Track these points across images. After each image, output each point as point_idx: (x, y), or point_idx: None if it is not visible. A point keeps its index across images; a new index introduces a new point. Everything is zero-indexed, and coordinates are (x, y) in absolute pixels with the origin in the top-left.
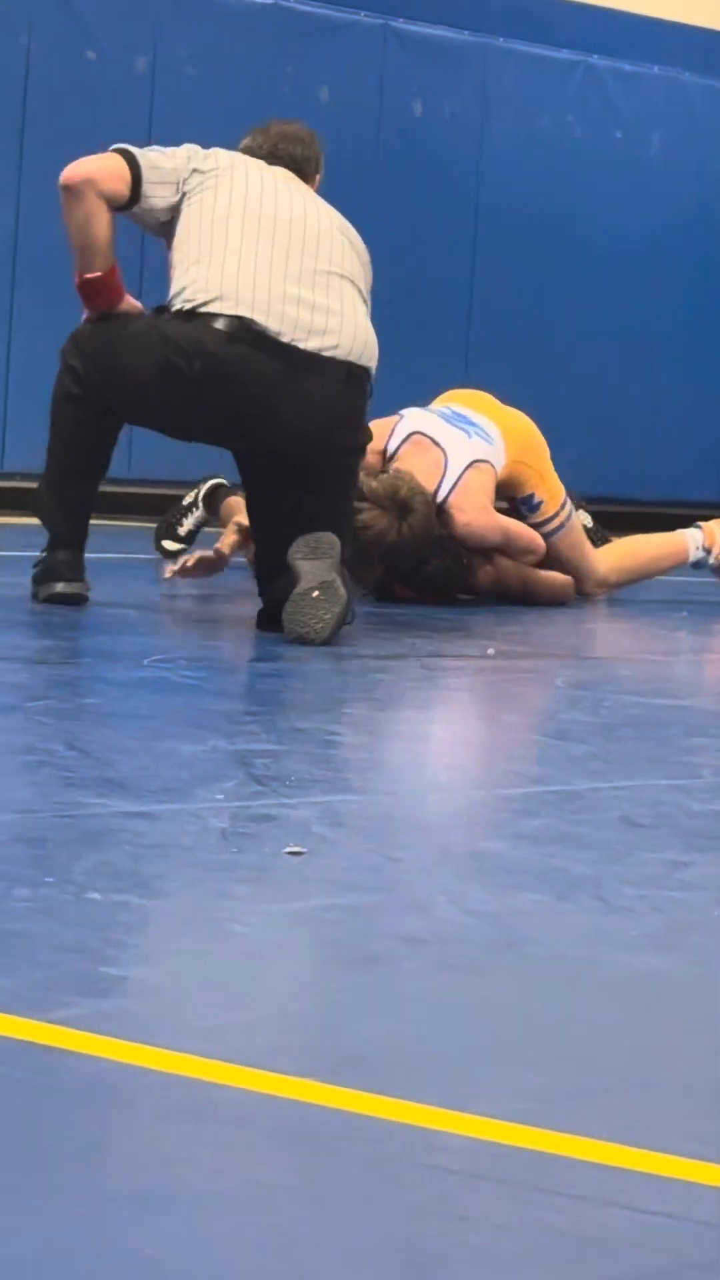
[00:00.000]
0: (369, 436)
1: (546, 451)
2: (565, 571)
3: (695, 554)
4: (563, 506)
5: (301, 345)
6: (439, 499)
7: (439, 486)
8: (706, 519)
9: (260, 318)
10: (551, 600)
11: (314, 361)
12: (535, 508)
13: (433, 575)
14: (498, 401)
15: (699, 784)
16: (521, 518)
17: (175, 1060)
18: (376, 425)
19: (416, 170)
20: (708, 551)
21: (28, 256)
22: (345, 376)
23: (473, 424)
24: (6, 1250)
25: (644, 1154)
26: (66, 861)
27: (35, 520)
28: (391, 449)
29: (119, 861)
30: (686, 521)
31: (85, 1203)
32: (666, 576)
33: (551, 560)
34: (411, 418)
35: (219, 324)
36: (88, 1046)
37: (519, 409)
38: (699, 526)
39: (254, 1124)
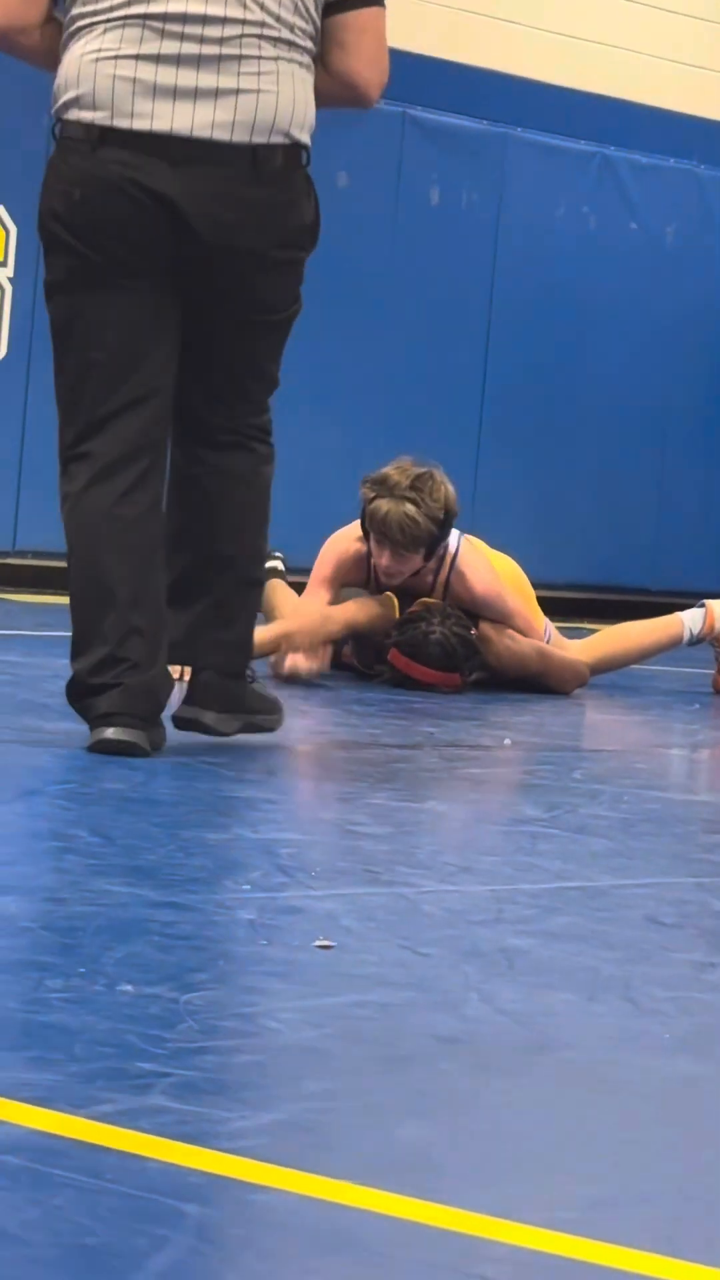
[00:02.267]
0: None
1: (532, 592)
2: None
3: (689, 635)
4: (545, 623)
5: (184, 133)
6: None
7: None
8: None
9: (123, 121)
10: (565, 679)
11: (199, 149)
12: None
13: (441, 644)
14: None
15: None
16: None
17: (219, 1160)
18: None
19: (432, 257)
20: (700, 637)
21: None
22: (252, 163)
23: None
24: None
25: (694, 1267)
26: (97, 952)
27: (49, 598)
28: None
29: (149, 953)
30: None
31: None
32: (678, 669)
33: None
34: None
35: (76, 132)
36: (131, 1145)
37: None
38: (703, 605)
39: (302, 1230)
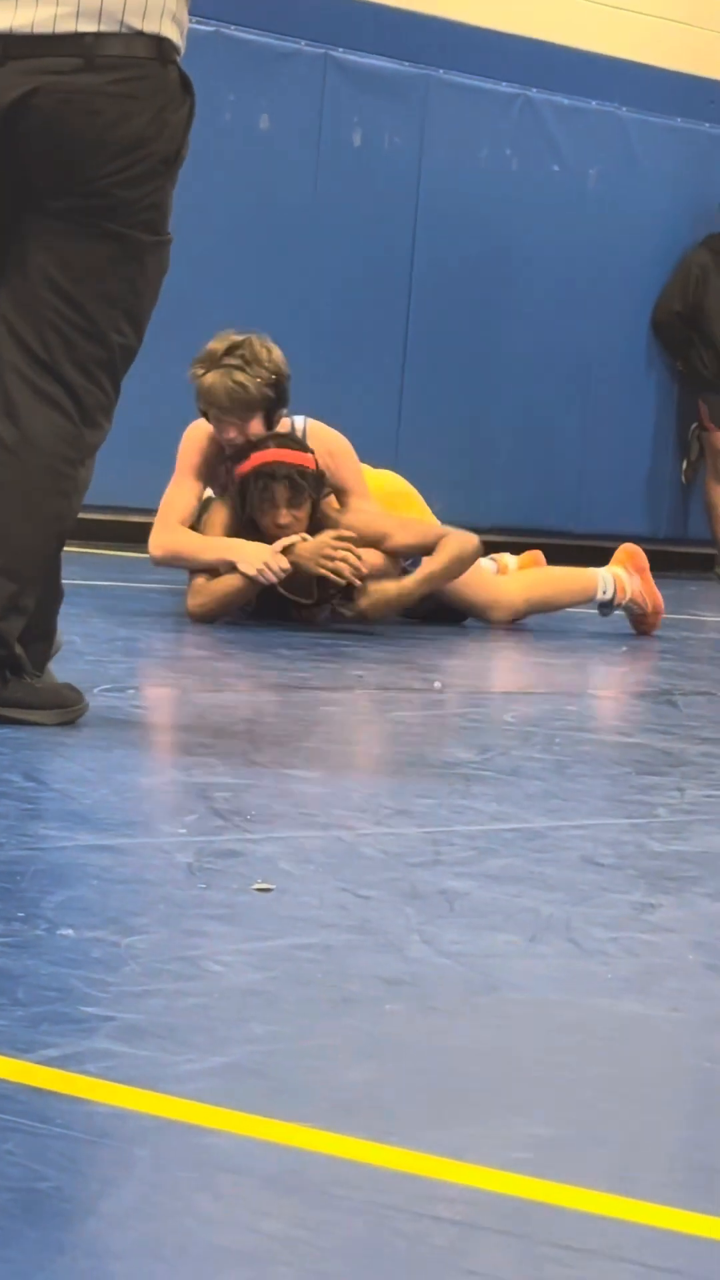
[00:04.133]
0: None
1: (423, 503)
2: (470, 605)
3: (602, 595)
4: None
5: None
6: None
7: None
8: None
9: None
10: (444, 548)
11: (25, 43)
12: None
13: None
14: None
15: (657, 823)
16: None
17: (168, 1104)
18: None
19: (354, 199)
20: (611, 599)
21: None
22: (83, 54)
23: None
24: None
25: (646, 1206)
26: (36, 896)
27: None
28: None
29: (88, 896)
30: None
31: (91, 1254)
32: (603, 616)
33: (455, 599)
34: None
35: None
36: (78, 1089)
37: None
38: (612, 574)
39: (253, 1173)
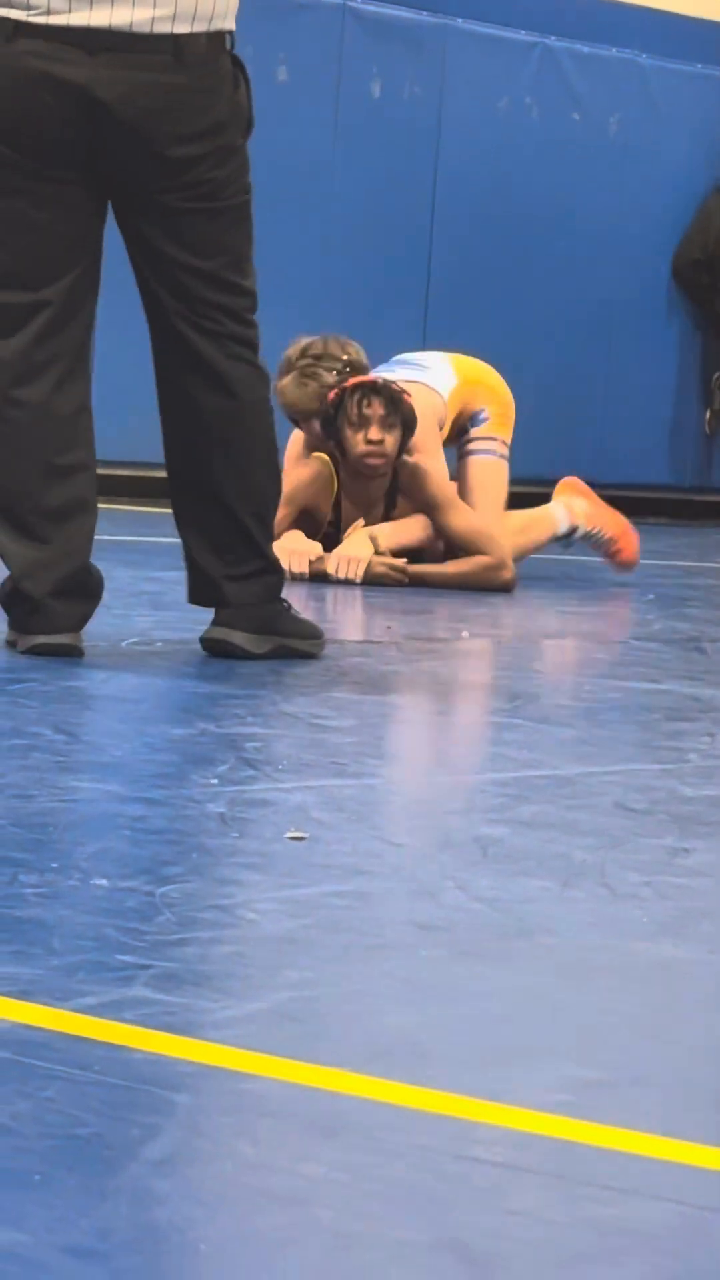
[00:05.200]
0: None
1: (508, 393)
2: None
3: (563, 526)
4: (507, 446)
5: (102, 26)
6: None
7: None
8: (664, 502)
9: (39, 17)
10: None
11: (119, 39)
12: (481, 422)
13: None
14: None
15: (688, 768)
16: (464, 433)
17: (206, 1050)
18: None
19: (374, 151)
20: (574, 528)
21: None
22: (174, 52)
23: (409, 363)
24: (55, 1246)
25: (687, 1146)
26: (69, 847)
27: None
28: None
29: (121, 847)
30: (646, 504)
31: (132, 1200)
32: (565, 549)
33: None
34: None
35: None
36: (116, 1036)
37: None
38: (561, 504)
39: (292, 1117)
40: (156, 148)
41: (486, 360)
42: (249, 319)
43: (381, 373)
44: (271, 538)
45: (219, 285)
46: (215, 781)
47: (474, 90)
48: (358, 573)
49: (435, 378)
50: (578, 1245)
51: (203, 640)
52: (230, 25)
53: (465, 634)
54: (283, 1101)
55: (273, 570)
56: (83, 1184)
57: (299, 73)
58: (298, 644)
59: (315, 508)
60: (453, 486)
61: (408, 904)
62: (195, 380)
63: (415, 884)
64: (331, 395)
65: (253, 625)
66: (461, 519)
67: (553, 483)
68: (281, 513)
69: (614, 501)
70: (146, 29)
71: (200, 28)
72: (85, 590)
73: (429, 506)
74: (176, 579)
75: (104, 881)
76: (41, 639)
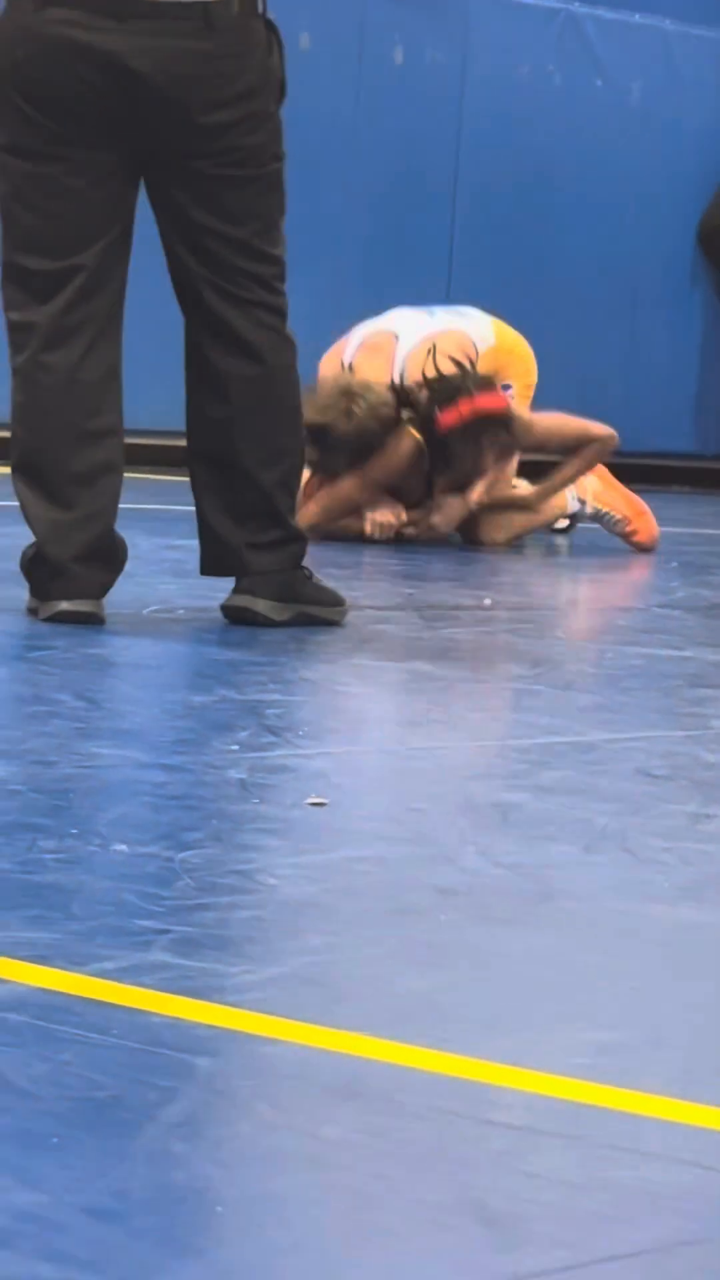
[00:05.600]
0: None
1: (535, 369)
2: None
3: (574, 504)
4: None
5: None
6: (397, 381)
7: (394, 370)
8: (687, 471)
9: None
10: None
11: (146, 6)
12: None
13: (442, 390)
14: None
15: (710, 734)
16: None
17: (225, 1014)
18: (336, 348)
19: (397, 117)
20: (582, 502)
21: None
22: (203, 18)
23: (453, 310)
24: (74, 1206)
25: (706, 1109)
26: (89, 813)
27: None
28: (348, 360)
29: (141, 813)
30: (669, 473)
31: (150, 1161)
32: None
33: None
34: (372, 321)
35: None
36: (135, 1000)
37: None
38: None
39: (312, 1080)
40: (187, 114)
41: (509, 324)
42: (277, 287)
43: (421, 312)
44: (294, 506)
45: (248, 253)
46: (236, 748)
47: (496, 57)
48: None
49: (475, 329)
50: (596, 1207)
51: (224, 608)
52: None
53: (488, 601)
54: (301, 1064)
55: (295, 538)
56: (101, 1146)
57: (322, 40)
58: (320, 611)
59: (405, 482)
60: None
61: (428, 869)
62: (221, 347)
63: (435, 849)
64: (442, 428)
65: (275, 593)
66: (560, 426)
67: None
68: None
69: (637, 470)
70: None
71: None
72: (109, 557)
73: (544, 443)
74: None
75: (124, 847)
76: (64, 605)
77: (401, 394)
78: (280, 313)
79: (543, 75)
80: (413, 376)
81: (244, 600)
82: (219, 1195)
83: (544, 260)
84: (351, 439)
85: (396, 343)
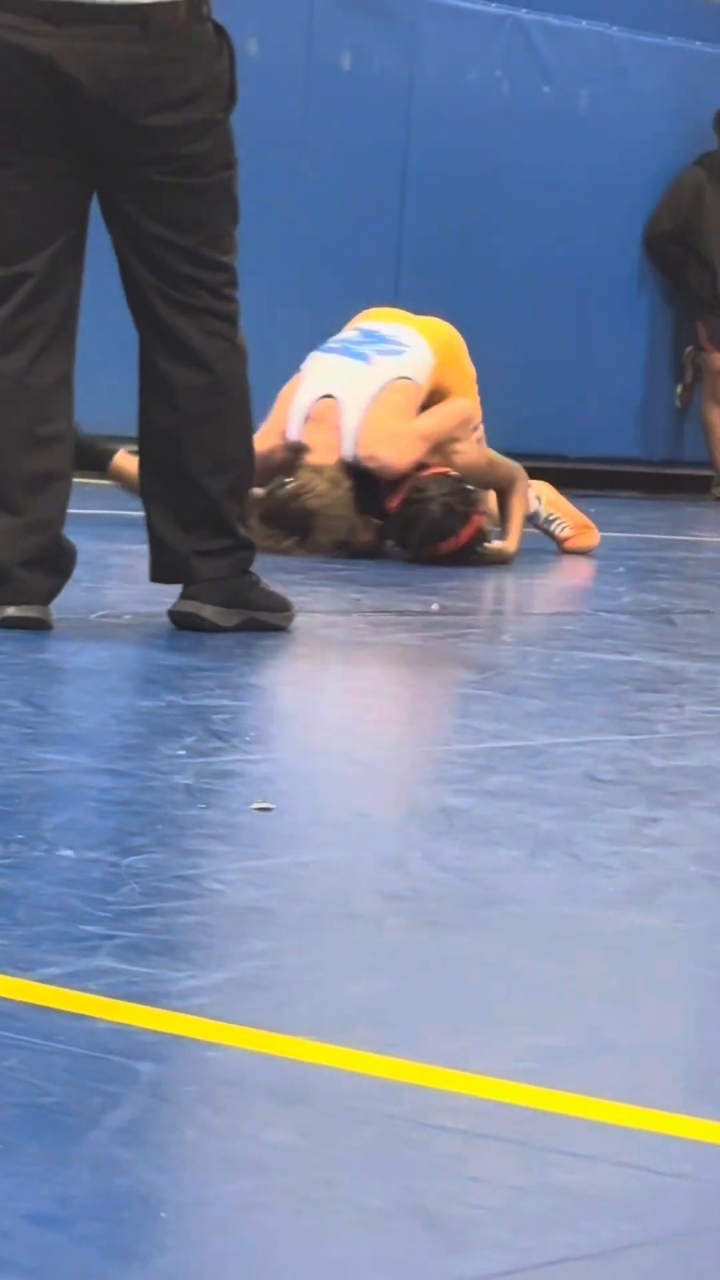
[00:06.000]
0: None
1: (472, 369)
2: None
3: (533, 504)
4: (477, 426)
5: None
6: (350, 457)
7: (344, 447)
8: (635, 476)
9: None
10: (513, 480)
11: (84, 11)
12: None
13: (439, 519)
14: (411, 315)
15: (657, 739)
16: None
17: (169, 1019)
18: (279, 404)
19: (345, 124)
20: (536, 512)
21: None
22: (141, 22)
23: (383, 339)
24: (17, 1213)
25: (650, 1113)
26: (34, 818)
27: None
28: (293, 435)
29: (87, 818)
30: (617, 478)
31: (94, 1167)
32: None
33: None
34: (308, 377)
35: None
36: (80, 1006)
37: None
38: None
39: (255, 1085)
40: (127, 120)
41: (460, 329)
42: (228, 294)
43: (353, 344)
44: (243, 513)
45: (197, 261)
46: (182, 753)
47: (444, 63)
48: None
49: (414, 360)
50: (540, 1210)
51: (171, 613)
52: None
53: (435, 606)
54: (246, 1070)
55: (243, 545)
56: (45, 1152)
57: (269, 46)
58: (267, 617)
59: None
60: (473, 456)
61: (373, 874)
62: (170, 354)
63: (381, 854)
64: (448, 549)
65: (221, 599)
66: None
67: (524, 456)
68: None
69: (584, 475)
70: None
71: None
72: (56, 563)
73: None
74: (146, 552)
75: (70, 852)
76: (10, 610)
77: (353, 470)
78: (231, 319)
79: (491, 82)
80: (365, 450)
81: (190, 606)
82: (163, 1201)
83: (492, 266)
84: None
85: (339, 413)
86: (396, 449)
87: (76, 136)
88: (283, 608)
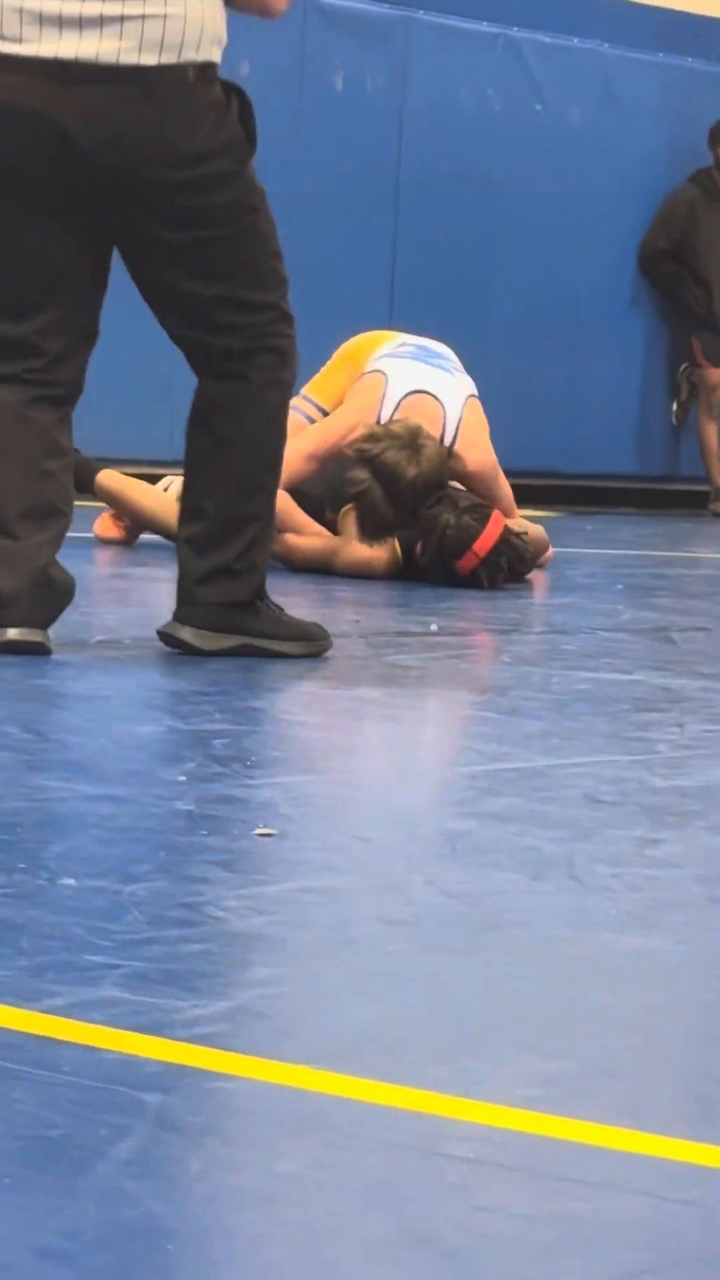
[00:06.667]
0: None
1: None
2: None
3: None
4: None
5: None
6: (446, 444)
7: (443, 434)
8: (631, 492)
9: (10, 47)
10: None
11: (88, 71)
12: None
13: (452, 538)
14: None
15: (658, 759)
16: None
17: (175, 1049)
18: (362, 396)
19: (337, 143)
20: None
21: None
22: (145, 84)
23: (442, 357)
24: (24, 1246)
25: (657, 1139)
26: (36, 847)
27: None
28: (386, 418)
29: (89, 846)
30: (614, 494)
31: (101, 1200)
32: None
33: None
34: (394, 375)
35: None
36: (85, 1037)
37: None
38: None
39: (262, 1115)
40: (130, 180)
41: (452, 348)
42: (273, 330)
43: (426, 354)
44: (249, 535)
45: (237, 305)
46: (183, 779)
47: (436, 82)
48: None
49: (453, 393)
50: (548, 1239)
51: (158, 633)
52: (206, 56)
53: (434, 627)
54: (252, 1099)
55: (246, 571)
56: (52, 1185)
57: (262, 67)
58: (267, 644)
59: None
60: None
61: (376, 899)
62: (212, 379)
63: (383, 879)
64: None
65: (207, 622)
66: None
67: (520, 474)
68: None
69: (581, 491)
70: (113, 59)
71: (169, 59)
72: (55, 589)
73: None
74: (145, 575)
75: (72, 881)
76: (11, 634)
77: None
78: (279, 352)
79: (482, 100)
80: (461, 446)
81: (171, 627)
82: (170, 1233)
83: (486, 284)
84: (415, 490)
85: (439, 407)
86: (485, 456)
87: (84, 197)
88: (299, 636)
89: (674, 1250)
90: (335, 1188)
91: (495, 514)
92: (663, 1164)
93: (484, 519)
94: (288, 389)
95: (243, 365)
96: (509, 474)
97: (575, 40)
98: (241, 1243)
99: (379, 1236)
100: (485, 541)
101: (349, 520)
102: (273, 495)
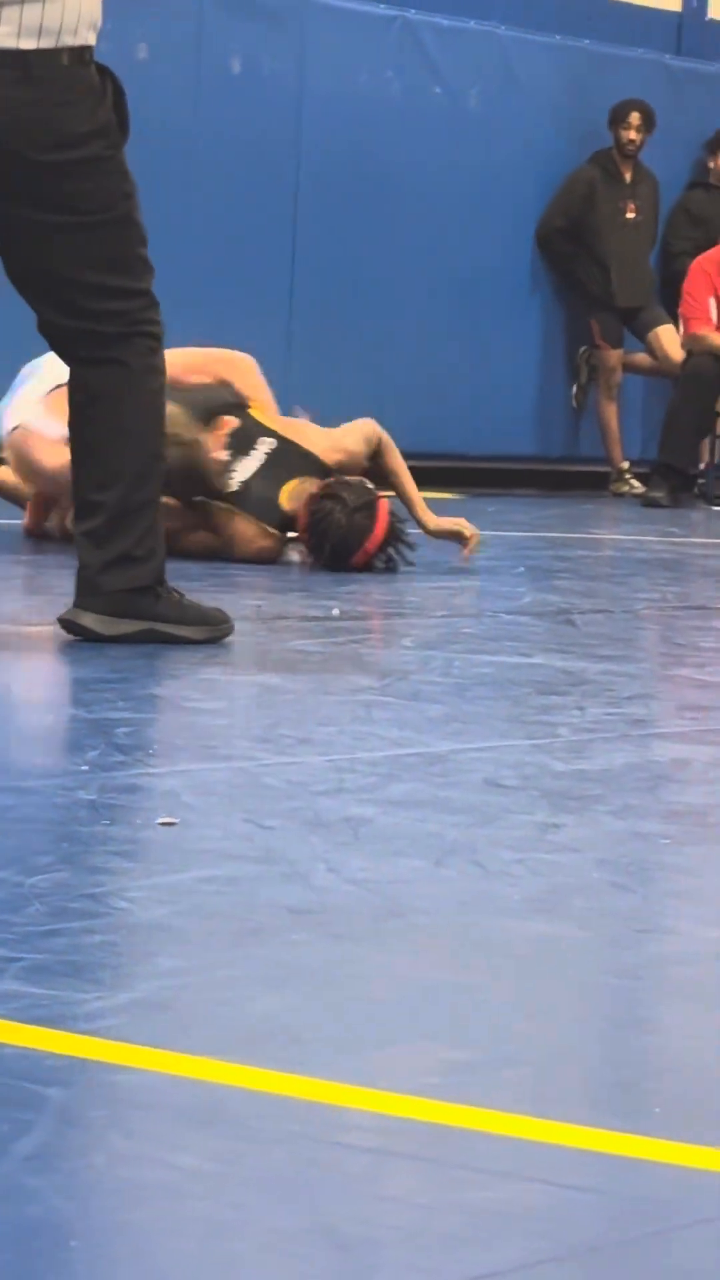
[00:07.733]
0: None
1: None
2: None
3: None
4: None
5: None
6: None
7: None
8: (532, 474)
9: None
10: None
11: None
12: None
13: (345, 539)
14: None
15: (558, 743)
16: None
17: (77, 1043)
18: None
19: (236, 128)
20: None
21: None
22: (23, 67)
23: None
24: None
25: (557, 1126)
26: None
27: None
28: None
29: None
30: (515, 476)
31: (6, 1195)
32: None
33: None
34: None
35: None
36: None
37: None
38: None
39: (165, 1108)
40: (8, 163)
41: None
42: (143, 317)
43: None
44: (145, 522)
45: (95, 291)
46: (85, 768)
47: (334, 64)
48: None
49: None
50: (449, 1229)
51: (58, 620)
52: (83, 40)
53: (335, 611)
54: (155, 1092)
55: (144, 557)
56: None
57: (159, 50)
58: (170, 629)
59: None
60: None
61: (279, 888)
62: (82, 372)
63: (286, 867)
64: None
65: (107, 608)
66: (338, 437)
67: (421, 456)
68: None
69: (481, 473)
70: None
71: (48, 43)
72: None
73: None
74: (47, 563)
75: None
76: None
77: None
78: (154, 337)
79: (381, 83)
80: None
81: (72, 614)
82: (73, 1229)
83: (386, 265)
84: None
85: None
86: (330, 442)
87: None
88: (199, 621)
89: (574, 1238)
90: (238, 1180)
91: (382, 506)
92: (563, 1151)
93: (373, 516)
94: (162, 374)
95: (123, 351)
96: (410, 456)
97: (473, 22)
98: (145, 1238)
99: (282, 1229)
100: (375, 541)
101: (235, 519)
102: (160, 478)
